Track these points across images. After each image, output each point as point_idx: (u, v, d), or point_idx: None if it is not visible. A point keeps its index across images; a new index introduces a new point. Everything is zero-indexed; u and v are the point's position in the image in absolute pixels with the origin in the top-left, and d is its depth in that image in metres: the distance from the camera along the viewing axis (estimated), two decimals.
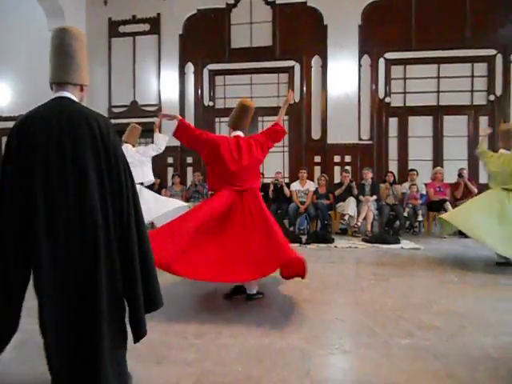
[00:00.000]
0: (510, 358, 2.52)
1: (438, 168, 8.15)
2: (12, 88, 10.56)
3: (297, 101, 9.33)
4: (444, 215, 5.52)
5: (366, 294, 3.91)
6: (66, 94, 1.95)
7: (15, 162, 1.80)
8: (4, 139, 9.31)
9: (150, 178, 5.93)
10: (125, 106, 9.94)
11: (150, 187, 8.52)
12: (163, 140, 5.64)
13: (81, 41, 1.94)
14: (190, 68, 9.79)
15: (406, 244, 6.54)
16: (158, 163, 9.58)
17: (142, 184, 5.79)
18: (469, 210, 5.20)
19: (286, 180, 8.85)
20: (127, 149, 5.75)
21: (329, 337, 2.91)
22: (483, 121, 8.68)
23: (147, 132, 9.44)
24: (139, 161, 5.72)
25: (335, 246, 6.44)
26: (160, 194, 8.43)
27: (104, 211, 1.78)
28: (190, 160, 9.74)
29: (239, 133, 3.85)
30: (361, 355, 2.60)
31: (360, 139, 9.05)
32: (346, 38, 9.09)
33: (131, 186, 1.92)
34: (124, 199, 1.84)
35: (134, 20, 9.94)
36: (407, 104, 9.17)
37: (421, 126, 9.09)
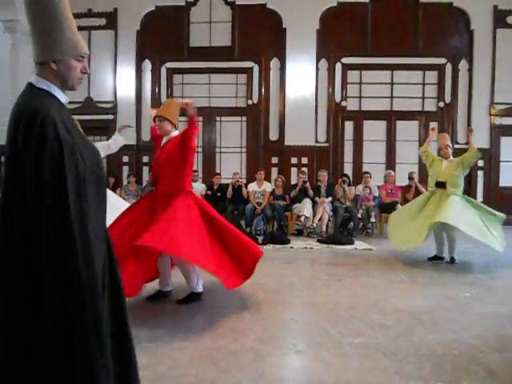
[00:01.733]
0: (454, 354, 2.64)
1: (390, 171, 8.41)
2: None
3: (255, 102, 9.37)
4: (389, 238, 5.79)
5: (320, 294, 3.98)
6: (31, 78, 1.55)
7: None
8: None
9: None
10: (79, 103, 9.61)
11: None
12: (121, 142, 5.40)
13: (40, 4, 1.46)
14: (147, 65, 9.61)
15: (359, 245, 6.71)
16: (114, 162, 9.37)
17: None
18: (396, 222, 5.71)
19: (243, 181, 8.87)
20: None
21: (283, 337, 2.94)
22: (433, 126, 9.05)
23: (101, 129, 9.22)
24: None
25: (291, 247, 6.51)
26: (115, 193, 8.23)
27: None
28: (145, 159, 9.55)
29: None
30: (314, 355, 2.64)
31: (317, 141, 9.21)
32: (304, 41, 9.21)
33: None
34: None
35: (90, 14, 9.63)
36: (362, 108, 9.42)
37: (375, 130, 9.36)
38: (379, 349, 2.71)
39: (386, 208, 7.58)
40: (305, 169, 8.65)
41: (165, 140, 3.66)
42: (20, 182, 1.35)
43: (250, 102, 9.41)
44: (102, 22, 9.65)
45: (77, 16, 9.03)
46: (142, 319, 3.24)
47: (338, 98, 9.34)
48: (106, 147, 5.47)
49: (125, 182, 8.98)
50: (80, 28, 8.50)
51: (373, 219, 7.67)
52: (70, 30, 1.49)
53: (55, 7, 1.45)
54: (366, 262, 5.52)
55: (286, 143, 9.22)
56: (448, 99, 9.18)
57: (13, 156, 1.38)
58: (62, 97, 1.53)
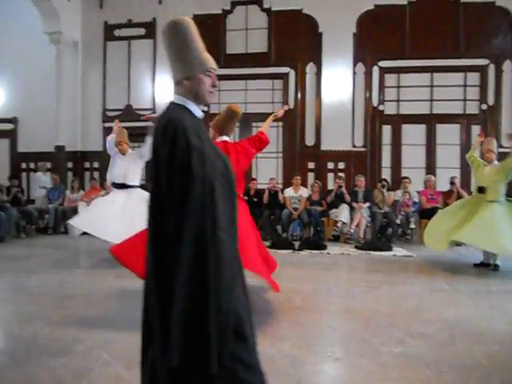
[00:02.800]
0: (501, 367, 2.53)
1: (430, 176, 8.19)
2: (6, 90, 10.52)
3: (291, 107, 9.36)
4: (425, 238, 5.65)
5: (358, 301, 3.91)
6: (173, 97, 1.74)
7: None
8: None
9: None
10: (119, 110, 9.92)
11: None
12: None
13: (171, 33, 1.71)
14: None
15: (398, 251, 6.56)
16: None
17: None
18: (438, 222, 5.53)
19: (280, 186, 8.86)
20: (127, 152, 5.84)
21: (320, 344, 2.90)
22: (475, 129, 8.72)
23: (141, 136, 9.44)
24: (137, 164, 5.83)
25: (328, 253, 6.44)
26: None
27: None
28: None
29: (226, 138, 3.78)
30: (352, 363, 2.59)
31: (354, 146, 9.09)
32: (340, 45, 9.14)
33: None
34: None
35: (130, 24, 9.94)
36: (401, 112, 9.22)
37: (414, 134, 9.14)
38: (421, 359, 2.63)
39: (427, 214, 7.37)
40: (342, 174, 8.55)
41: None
42: (157, 184, 1.50)
43: (286, 108, 9.38)
44: (142, 31, 9.92)
45: (117, 26, 9.49)
46: None
47: (375, 101, 9.19)
48: (143, 153, 5.73)
49: None
50: (120, 38, 8.90)
51: (412, 225, 7.48)
52: (197, 50, 1.69)
53: (183, 34, 1.69)
54: (405, 269, 5.38)
55: (323, 148, 9.15)
56: (491, 101, 8.85)
57: (153, 161, 1.53)
58: (198, 112, 1.69)
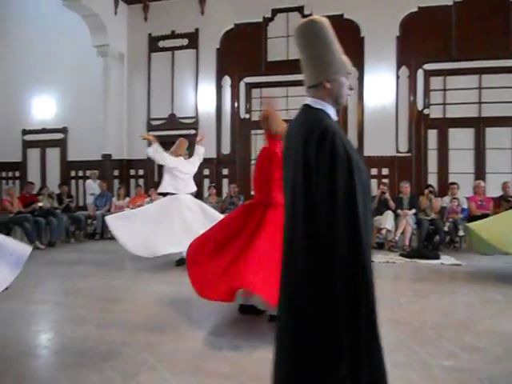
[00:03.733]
0: None
1: (479, 181, 7.87)
2: (57, 101, 11.03)
3: None
4: (471, 224, 5.39)
5: (404, 311, 3.79)
6: (306, 100, 1.69)
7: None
8: (49, 151, 9.73)
9: (195, 188, 6.35)
10: (163, 119, 10.18)
11: None
12: (202, 152, 6.21)
13: (311, 33, 1.63)
14: (226, 81, 9.93)
15: (446, 259, 6.32)
16: (195, 175, 9.74)
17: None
18: (498, 220, 5.19)
19: None
20: (183, 161, 6.07)
21: None
22: None
23: None
24: (191, 172, 6.16)
25: (372, 261, 6.29)
26: None
27: None
28: (225, 172, 9.83)
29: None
30: (400, 375, 2.51)
31: (398, 151, 8.88)
32: (383, 49, 8.99)
33: None
34: None
35: (173, 35, 10.20)
36: (447, 115, 8.94)
37: (461, 138, 8.82)
38: (474, 373, 2.51)
39: (476, 221, 7.08)
40: (386, 180, 8.37)
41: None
42: (309, 195, 1.48)
43: None
44: (185, 42, 10.16)
45: (161, 38, 9.76)
46: (224, 329, 3.31)
47: (420, 105, 8.96)
48: (196, 162, 6.08)
49: (205, 194, 9.28)
50: (164, 49, 9.13)
51: (461, 233, 7.19)
52: (337, 52, 1.64)
53: (324, 34, 1.63)
54: (454, 279, 5.18)
55: (366, 154, 8.99)
56: None
57: (302, 170, 1.50)
58: (334, 115, 1.64)
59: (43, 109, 11.10)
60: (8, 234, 7.18)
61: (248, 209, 3.59)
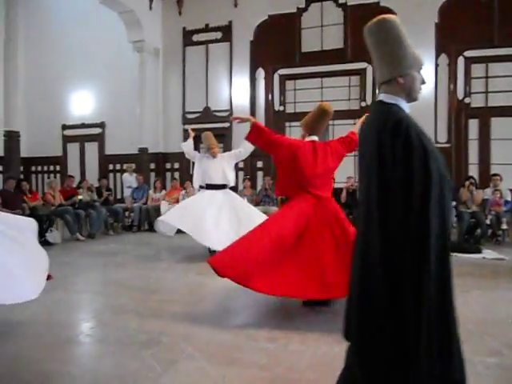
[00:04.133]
0: None
1: None
2: (95, 97, 11.32)
3: (369, 103, 9.10)
4: None
5: None
6: (380, 96, 1.69)
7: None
8: (88, 145, 10.00)
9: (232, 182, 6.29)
10: (198, 112, 10.28)
11: None
12: (250, 150, 6.02)
13: (383, 30, 1.68)
14: (260, 73, 9.90)
15: (488, 254, 6.11)
16: None
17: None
18: None
19: (357, 185, 8.64)
20: (222, 155, 6.16)
21: None
22: None
23: (219, 137, 9.72)
24: (226, 166, 6.08)
25: (450, 254, 6.16)
26: None
27: None
28: (260, 164, 9.84)
29: (315, 138, 3.71)
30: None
31: (436, 142, 8.62)
32: (421, 36, 8.70)
33: None
34: None
35: (207, 29, 10.25)
36: (489, 104, 8.60)
37: (505, 128, 8.46)
38: None
39: None
40: None
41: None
42: (385, 188, 1.47)
43: (363, 104, 9.16)
44: (218, 35, 10.19)
45: (195, 32, 9.82)
46: (260, 320, 3.33)
47: (460, 94, 8.66)
48: (238, 154, 6.06)
49: (240, 187, 9.32)
50: (198, 43, 9.19)
51: (504, 226, 6.94)
52: (409, 47, 1.66)
53: (396, 31, 1.65)
54: (497, 274, 5.00)
55: None
56: None
57: (377, 164, 1.50)
58: (407, 110, 1.64)
59: (82, 104, 11.43)
60: (50, 225, 7.46)
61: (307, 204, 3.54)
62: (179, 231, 6.08)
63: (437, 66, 8.69)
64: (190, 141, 6.32)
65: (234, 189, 9.13)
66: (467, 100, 8.63)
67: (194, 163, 6.47)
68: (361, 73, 9.21)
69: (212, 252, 5.79)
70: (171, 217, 5.86)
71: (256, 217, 5.43)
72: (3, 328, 3.21)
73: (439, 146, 8.56)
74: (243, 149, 6.05)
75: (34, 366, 2.50)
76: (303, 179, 3.56)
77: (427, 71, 8.68)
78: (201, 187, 6.26)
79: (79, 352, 2.84)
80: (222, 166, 5.98)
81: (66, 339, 2.96)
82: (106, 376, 2.37)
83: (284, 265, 3.27)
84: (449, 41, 8.58)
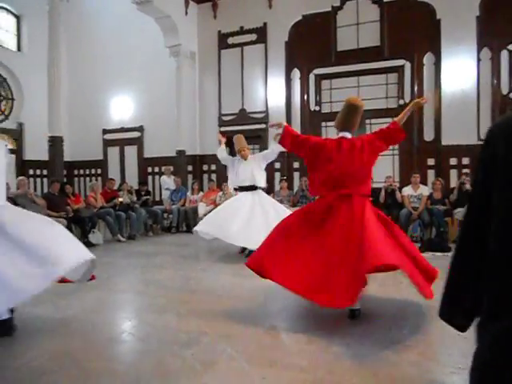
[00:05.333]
0: None
1: None
2: (133, 101, 11.61)
3: (407, 101, 8.89)
4: None
5: None
6: None
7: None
8: (127, 148, 10.28)
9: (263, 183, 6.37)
10: (234, 114, 10.35)
11: None
12: (278, 151, 6.08)
13: None
14: (296, 74, 9.87)
15: None
16: (266, 168, 9.82)
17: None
18: None
19: (397, 184, 8.46)
20: (254, 156, 6.27)
21: (450, 354, 2.69)
22: None
23: (255, 138, 9.77)
24: (257, 167, 6.16)
25: None
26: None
27: None
28: (296, 165, 9.80)
29: (345, 134, 3.59)
30: None
31: (480, 139, 8.30)
32: (462, 31, 8.44)
33: None
34: None
35: (242, 31, 10.31)
36: None
37: None
38: None
39: None
40: (466, 170, 7.89)
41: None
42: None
43: (401, 102, 8.96)
44: (253, 37, 10.23)
45: (230, 34, 9.89)
46: (300, 322, 3.31)
47: (504, 89, 8.31)
48: (265, 155, 6.14)
49: (277, 188, 9.32)
50: (234, 45, 9.25)
51: None
52: None
53: None
54: None
55: (444, 143, 8.54)
56: None
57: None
58: None
59: (121, 109, 11.75)
60: (93, 227, 7.70)
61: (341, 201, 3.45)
62: None
63: (479, 60, 8.39)
64: (223, 147, 6.47)
65: (269, 189, 9.16)
66: None
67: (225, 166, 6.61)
68: (398, 70, 9.02)
69: (245, 252, 5.98)
70: (204, 227, 5.98)
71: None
72: (50, 325, 3.33)
73: (482, 143, 8.26)
74: (271, 150, 6.16)
75: (81, 363, 2.58)
76: (329, 178, 3.50)
77: (469, 66, 8.41)
78: (235, 189, 6.38)
79: (122, 350, 2.91)
80: (251, 168, 6.07)
81: (110, 337, 3.05)
82: (149, 374, 2.42)
83: (304, 261, 3.25)
84: (491, 34, 8.25)
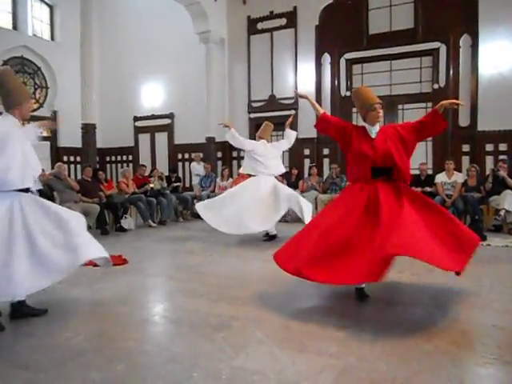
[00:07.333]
0: None
1: None
2: (163, 89, 11.71)
3: (442, 86, 8.62)
4: None
5: None
6: None
7: None
8: (158, 135, 10.48)
9: (282, 169, 6.48)
10: (263, 101, 10.29)
11: (288, 178, 8.76)
12: (293, 136, 6.40)
13: None
14: (326, 59, 9.70)
15: None
16: (296, 155, 9.78)
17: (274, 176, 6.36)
18: None
19: (430, 171, 8.25)
20: (265, 144, 6.20)
21: (484, 344, 2.63)
22: None
23: (283, 125, 9.68)
24: (275, 155, 6.24)
25: (488, 245, 5.81)
26: (297, 185, 8.63)
27: None
28: (326, 151, 9.70)
29: (365, 124, 3.56)
30: None
31: None
32: (501, 11, 8.08)
33: None
34: None
35: (272, 16, 10.19)
36: None
37: None
38: None
39: None
40: (504, 156, 7.62)
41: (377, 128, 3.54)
42: None
43: (435, 86, 8.70)
44: (283, 21, 10.09)
45: (260, 20, 9.79)
46: (329, 308, 3.30)
47: None
48: (282, 144, 6.28)
49: (306, 175, 9.26)
50: (263, 30, 9.14)
51: None
52: None
53: None
54: None
55: (480, 128, 8.26)
56: None
57: None
58: None
59: (151, 96, 11.87)
60: (125, 212, 7.86)
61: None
62: None
63: None
64: (233, 130, 6.34)
65: (299, 176, 9.11)
66: None
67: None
68: (433, 53, 8.73)
69: (268, 236, 6.33)
70: (212, 221, 6.12)
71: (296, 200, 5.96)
72: (85, 307, 3.45)
73: None
74: (287, 138, 6.38)
75: (115, 344, 2.66)
76: (361, 164, 3.44)
77: (508, 48, 8.07)
78: (249, 175, 6.47)
79: (155, 331, 2.98)
80: (274, 155, 6.24)
81: (143, 319, 3.12)
82: (181, 355, 2.47)
83: (337, 254, 3.14)
84: None
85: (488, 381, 2.27)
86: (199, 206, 6.32)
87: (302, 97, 3.91)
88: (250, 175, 6.46)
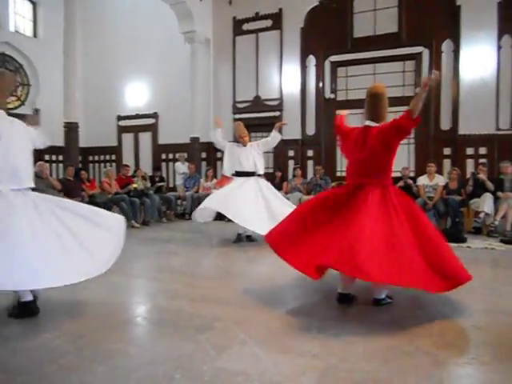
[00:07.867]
0: None
1: None
2: (148, 88, 11.62)
3: None
4: None
5: (507, 301, 3.52)
6: None
7: None
8: (141, 135, 10.41)
9: (261, 170, 6.38)
10: (248, 102, 10.29)
11: (272, 179, 8.78)
12: (278, 139, 6.37)
13: None
14: (311, 61, 9.76)
15: None
16: (280, 156, 9.81)
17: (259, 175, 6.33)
18: None
19: (412, 174, 8.36)
20: (251, 145, 6.26)
21: (463, 345, 2.68)
22: None
23: (268, 126, 9.70)
24: (254, 155, 6.24)
25: (468, 247, 5.92)
26: (281, 186, 8.65)
27: None
28: (310, 153, 9.74)
29: (370, 123, 3.46)
30: (504, 369, 2.33)
31: (498, 129, 8.16)
32: (482, 17, 8.25)
33: None
34: None
35: (257, 17, 10.21)
36: None
37: None
38: None
39: None
40: (484, 160, 7.76)
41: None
42: None
43: (418, 90, 8.80)
44: (269, 23, 10.12)
45: (246, 21, 9.80)
46: (312, 309, 3.32)
47: None
48: (265, 143, 6.27)
49: (290, 176, 9.29)
50: (249, 31, 9.17)
51: None
52: None
53: None
54: None
55: (461, 132, 8.41)
56: None
57: None
58: None
59: (135, 96, 11.78)
60: None
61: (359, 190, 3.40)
62: (218, 218, 6.56)
63: (499, 48, 8.19)
64: (219, 129, 6.49)
65: (283, 177, 9.13)
66: None
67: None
68: (416, 57, 8.86)
69: (247, 237, 6.21)
70: (214, 202, 6.02)
71: (286, 206, 5.73)
72: (66, 308, 3.40)
73: (501, 133, 8.13)
74: (271, 138, 6.33)
75: (96, 345, 2.62)
76: (349, 166, 3.57)
77: (489, 54, 8.23)
78: (232, 175, 6.47)
79: (137, 333, 2.96)
80: (253, 155, 6.19)
81: (125, 320, 3.09)
82: (164, 357, 2.45)
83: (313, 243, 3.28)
84: None
85: (467, 380, 2.30)
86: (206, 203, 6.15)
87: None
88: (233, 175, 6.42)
